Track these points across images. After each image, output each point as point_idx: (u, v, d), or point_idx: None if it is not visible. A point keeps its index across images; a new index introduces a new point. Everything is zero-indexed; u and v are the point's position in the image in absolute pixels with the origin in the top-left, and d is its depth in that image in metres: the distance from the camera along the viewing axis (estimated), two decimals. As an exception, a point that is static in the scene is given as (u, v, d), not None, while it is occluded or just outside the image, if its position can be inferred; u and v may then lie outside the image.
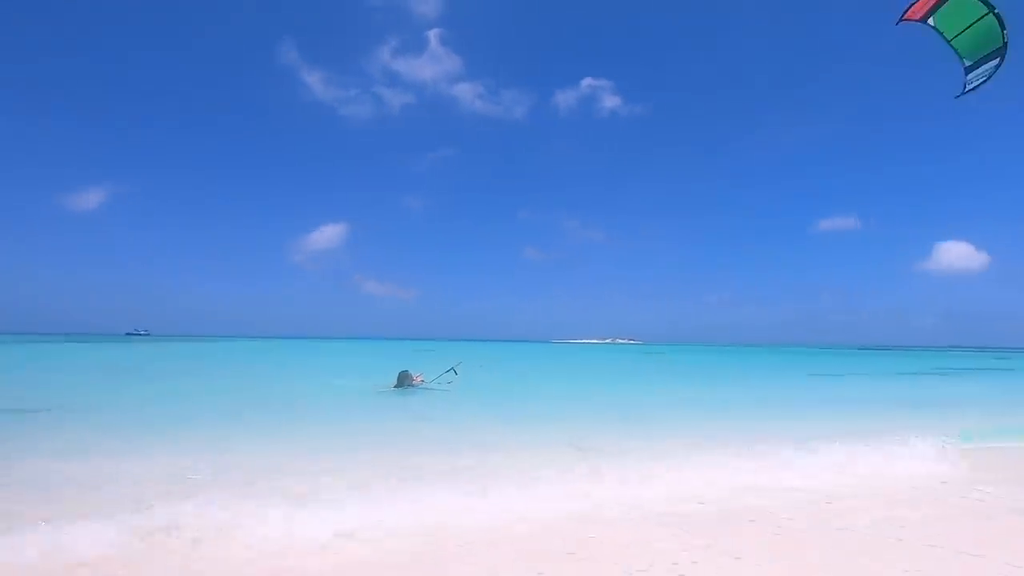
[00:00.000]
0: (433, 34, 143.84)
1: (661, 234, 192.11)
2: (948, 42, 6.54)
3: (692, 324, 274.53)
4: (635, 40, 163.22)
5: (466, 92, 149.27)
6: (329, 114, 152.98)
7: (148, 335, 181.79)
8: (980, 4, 6.10)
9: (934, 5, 6.40)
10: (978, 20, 6.17)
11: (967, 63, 6.53)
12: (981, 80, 6.52)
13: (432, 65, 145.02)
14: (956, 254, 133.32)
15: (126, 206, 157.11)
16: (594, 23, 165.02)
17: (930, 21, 6.53)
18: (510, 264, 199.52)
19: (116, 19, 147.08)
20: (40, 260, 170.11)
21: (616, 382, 30.42)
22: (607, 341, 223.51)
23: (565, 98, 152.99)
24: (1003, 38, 6.14)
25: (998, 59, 6.25)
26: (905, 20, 6.60)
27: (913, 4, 6.46)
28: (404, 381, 21.40)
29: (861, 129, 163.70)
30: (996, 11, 6.05)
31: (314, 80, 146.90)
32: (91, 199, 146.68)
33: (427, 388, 21.33)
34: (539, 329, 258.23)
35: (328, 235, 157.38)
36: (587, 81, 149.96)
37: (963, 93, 6.63)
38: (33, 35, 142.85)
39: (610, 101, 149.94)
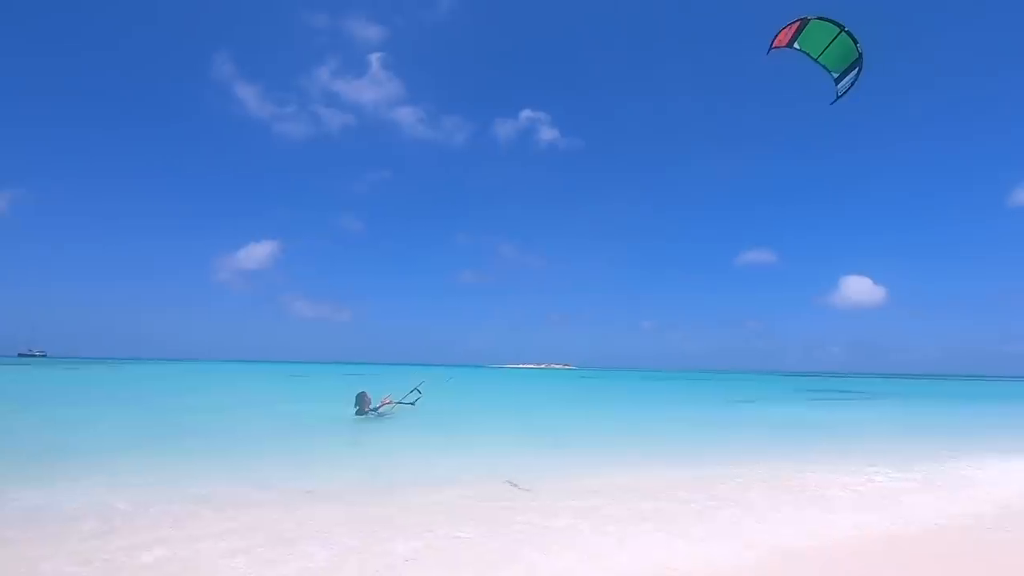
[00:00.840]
0: (375, 58, 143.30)
1: (595, 262, 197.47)
2: (815, 60, 7.66)
3: (626, 349, 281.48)
4: (572, 76, 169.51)
5: (407, 116, 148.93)
6: (263, 130, 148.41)
7: (44, 357, 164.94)
8: (833, 26, 7.23)
9: (796, 32, 7.52)
10: (835, 38, 7.30)
11: (834, 75, 7.68)
12: (848, 87, 7.64)
13: (373, 88, 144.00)
14: (858, 288, 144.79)
15: (28, 214, 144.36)
16: (534, 58, 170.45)
17: (795, 45, 7.66)
18: (447, 287, 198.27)
19: (33, 15, 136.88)
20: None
21: (549, 408, 29.69)
22: (542, 366, 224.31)
23: (504, 128, 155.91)
24: (857, 50, 7.26)
25: (857, 68, 7.40)
26: (775, 48, 7.73)
27: (777, 35, 7.60)
28: (363, 405, 18.86)
29: (776, 168, 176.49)
30: (846, 29, 7.18)
31: (248, 94, 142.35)
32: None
33: (390, 414, 19.44)
34: (475, 354, 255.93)
35: (258, 253, 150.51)
36: (526, 113, 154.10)
37: (836, 100, 7.71)
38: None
39: (547, 133, 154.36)
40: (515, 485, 8.92)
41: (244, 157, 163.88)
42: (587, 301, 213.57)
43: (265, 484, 8.83)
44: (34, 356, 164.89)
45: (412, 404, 20.48)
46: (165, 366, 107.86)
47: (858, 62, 7.35)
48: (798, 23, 7.44)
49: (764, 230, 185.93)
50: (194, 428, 16.77)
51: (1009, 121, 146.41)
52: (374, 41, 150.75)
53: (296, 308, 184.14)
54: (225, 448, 13.03)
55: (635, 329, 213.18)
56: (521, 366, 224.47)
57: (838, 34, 7.29)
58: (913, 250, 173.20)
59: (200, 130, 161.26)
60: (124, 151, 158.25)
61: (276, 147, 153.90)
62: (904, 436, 18.84)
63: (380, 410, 19.44)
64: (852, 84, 7.56)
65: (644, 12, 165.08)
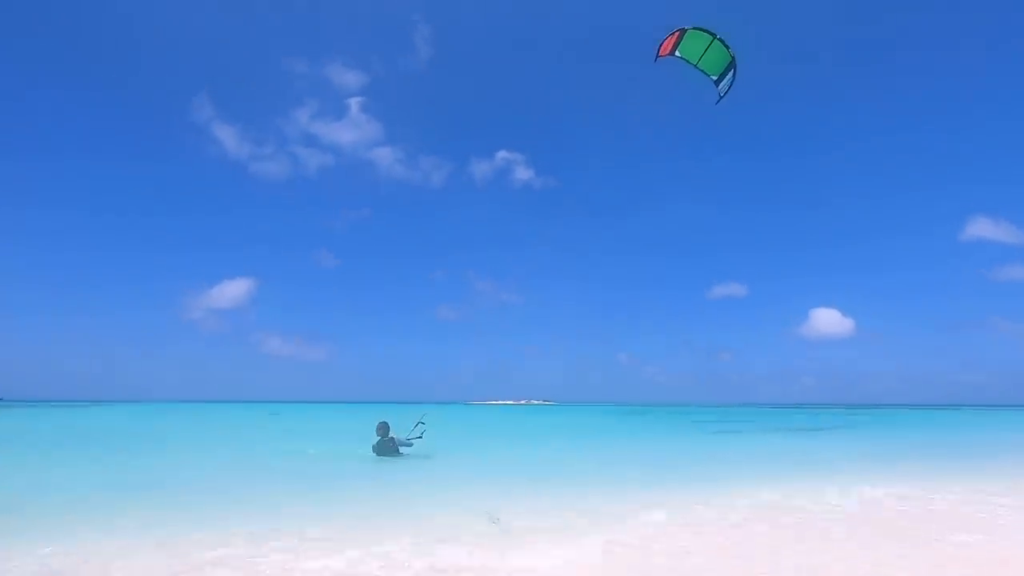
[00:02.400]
0: (354, 102, 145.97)
1: (571, 297, 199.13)
2: (695, 66, 8.46)
3: (603, 384, 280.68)
4: (546, 119, 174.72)
5: (384, 156, 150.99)
6: (240, 170, 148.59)
7: (1, 401, 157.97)
8: (707, 35, 8.03)
9: (676, 41, 8.33)
10: (710, 45, 8.12)
11: (714, 78, 8.46)
12: (727, 88, 8.48)
13: (351, 130, 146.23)
14: (827, 320, 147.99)
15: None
16: (509, 101, 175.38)
17: (677, 53, 8.42)
18: (424, 324, 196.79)
19: (15, 54, 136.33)
20: None
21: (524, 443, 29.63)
22: (522, 402, 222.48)
23: (480, 167, 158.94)
24: (729, 55, 8.08)
25: (732, 71, 8.19)
26: (660, 57, 8.55)
27: (661, 44, 8.43)
28: (386, 444, 18.00)
29: (745, 205, 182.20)
30: (719, 37, 8.03)
31: (226, 135, 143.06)
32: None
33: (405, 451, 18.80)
34: (454, 390, 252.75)
35: (232, 291, 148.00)
36: (502, 153, 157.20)
37: (719, 100, 8.54)
38: None
39: (523, 173, 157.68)
40: (496, 522, 9.03)
41: (220, 196, 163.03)
42: (564, 336, 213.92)
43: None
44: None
45: (420, 437, 20.06)
46: (133, 407, 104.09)
47: (732, 65, 8.17)
48: (677, 33, 8.28)
49: (735, 264, 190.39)
50: (192, 474, 16.39)
51: (960, 158, 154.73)
52: (353, 86, 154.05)
53: (270, 346, 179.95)
54: (249, 495, 12.80)
55: (612, 363, 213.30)
56: (501, 402, 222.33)
57: (712, 41, 8.12)
58: (877, 282, 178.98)
59: (176, 169, 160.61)
60: (97, 188, 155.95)
61: (253, 186, 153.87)
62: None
63: (402, 449, 18.57)
64: (730, 86, 8.39)
65: (614, 59, 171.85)
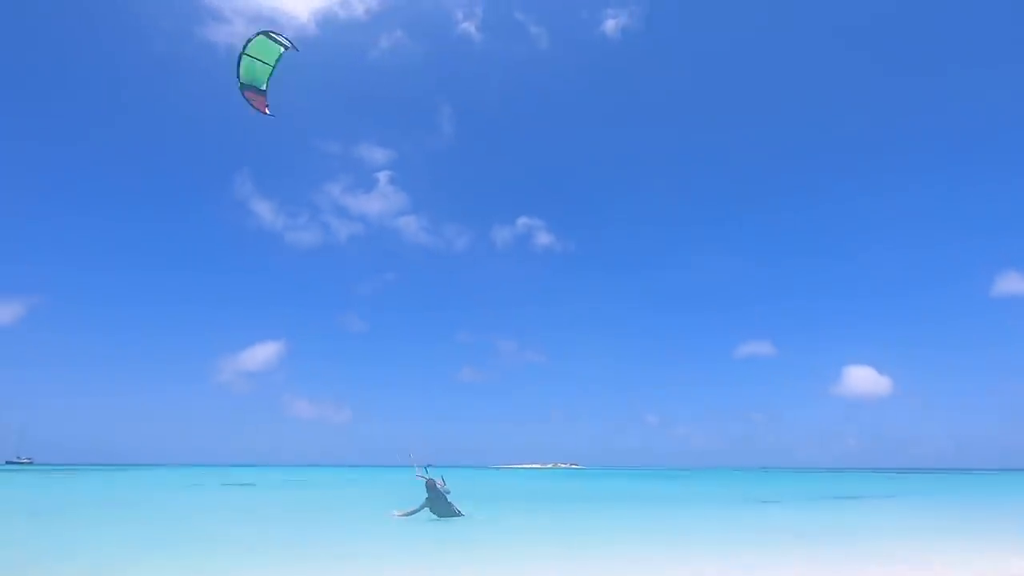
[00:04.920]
0: (382, 175, 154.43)
1: (595, 357, 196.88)
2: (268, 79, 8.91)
3: (633, 446, 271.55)
4: (565, 185, 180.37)
5: (410, 225, 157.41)
6: (275, 240, 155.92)
7: (31, 464, 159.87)
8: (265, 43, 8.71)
9: (255, 92, 9.00)
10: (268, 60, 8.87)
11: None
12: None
13: (379, 200, 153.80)
14: (862, 379, 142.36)
15: (41, 321, 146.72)
16: (528, 169, 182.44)
17: (264, 88, 9.00)
18: (448, 386, 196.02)
19: (66, 130, 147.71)
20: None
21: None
22: (548, 466, 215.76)
23: (502, 233, 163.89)
24: (281, 44, 8.91)
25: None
26: (265, 111, 8.99)
27: (259, 108, 8.91)
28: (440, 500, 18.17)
29: (768, 263, 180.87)
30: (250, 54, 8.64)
31: (264, 209, 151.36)
32: (5, 312, 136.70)
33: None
34: (479, 454, 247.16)
35: (262, 354, 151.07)
36: (522, 219, 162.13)
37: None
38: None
39: (543, 238, 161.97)
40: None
41: (254, 264, 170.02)
42: (590, 397, 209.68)
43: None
44: (21, 463, 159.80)
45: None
46: (163, 471, 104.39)
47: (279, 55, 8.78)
48: (252, 94, 8.87)
49: (761, 322, 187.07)
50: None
51: (987, 213, 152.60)
52: (381, 161, 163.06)
53: (297, 408, 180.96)
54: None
55: (641, 425, 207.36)
56: (527, 466, 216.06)
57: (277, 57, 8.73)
58: (912, 340, 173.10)
59: (214, 241, 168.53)
60: (142, 260, 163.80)
61: (286, 254, 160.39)
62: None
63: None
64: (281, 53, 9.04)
65: (627, 122, 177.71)
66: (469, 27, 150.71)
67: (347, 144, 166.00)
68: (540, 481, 75.40)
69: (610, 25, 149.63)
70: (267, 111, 8.85)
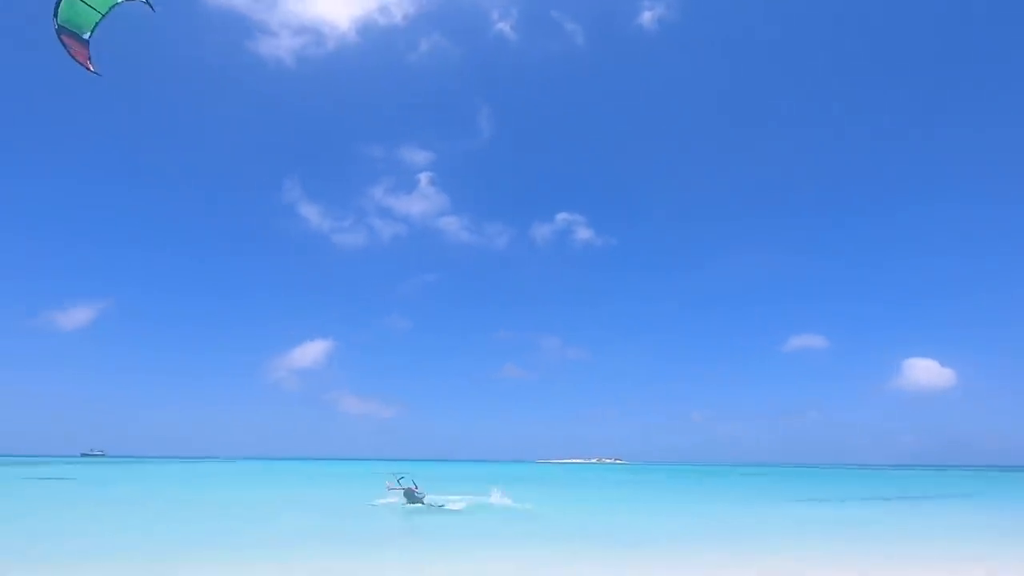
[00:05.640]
0: (424, 176, 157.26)
1: (640, 352, 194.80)
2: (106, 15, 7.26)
3: (678, 442, 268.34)
4: (604, 181, 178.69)
5: (451, 224, 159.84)
6: (322, 241, 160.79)
7: (103, 456, 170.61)
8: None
9: (77, 44, 7.32)
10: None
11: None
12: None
13: (421, 201, 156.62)
14: (923, 371, 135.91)
15: (110, 325, 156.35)
16: (567, 166, 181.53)
17: (87, 36, 7.35)
18: (490, 382, 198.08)
19: (130, 149, 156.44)
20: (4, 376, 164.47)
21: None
22: (592, 461, 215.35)
23: (541, 230, 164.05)
24: None
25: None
26: (89, 68, 7.51)
27: (81, 62, 7.40)
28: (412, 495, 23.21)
29: (817, 254, 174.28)
30: None
31: (311, 213, 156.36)
32: (79, 317, 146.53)
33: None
34: (522, 448, 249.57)
35: (311, 352, 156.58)
36: (562, 215, 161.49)
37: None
38: (45, 157, 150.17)
39: (583, 233, 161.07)
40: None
41: (302, 265, 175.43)
42: (634, 392, 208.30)
43: None
44: (95, 455, 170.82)
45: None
46: (223, 465, 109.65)
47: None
48: (71, 41, 7.36)
49: (812, 315, 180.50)
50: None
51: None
52: (423, 163, 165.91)
53: (345, 405, 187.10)
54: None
55: (686, 421, 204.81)
56: (570, 461, 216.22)
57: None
58: (978, 330, 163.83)
59: (266, 245, 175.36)
60: (201, 265, 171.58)
61: (333, 255, 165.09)
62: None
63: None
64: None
65: (668, 117, 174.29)
66: (505, 27, 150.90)
67: (389, 147, 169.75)
68: (584, 475, 75.58)
69: (647, 17, 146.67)
70: (91, 67, 7.42)
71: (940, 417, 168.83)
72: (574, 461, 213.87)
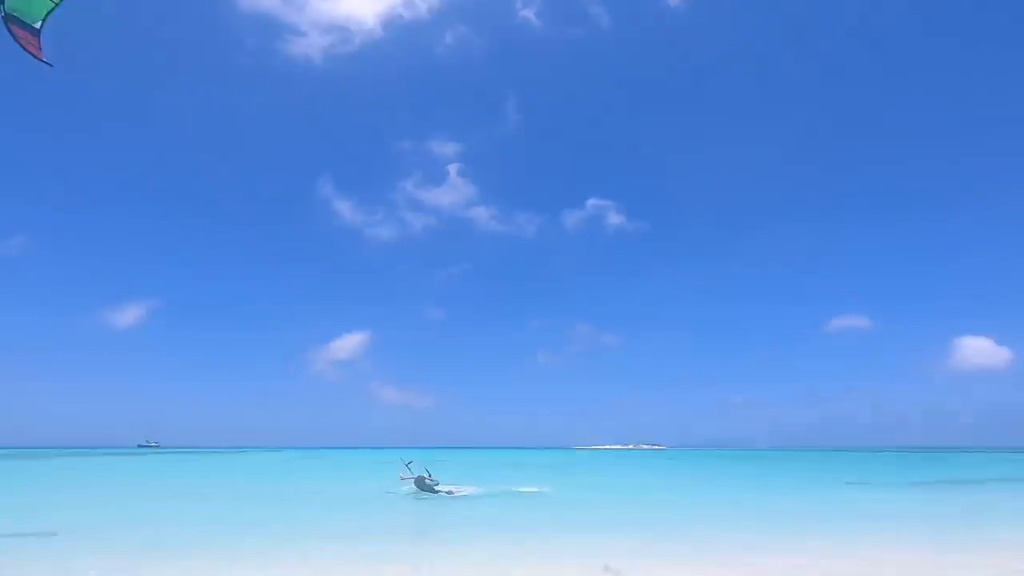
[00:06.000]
0: (452, 168, 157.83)
1: (676, 337, 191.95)
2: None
3: (717, 426, 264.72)
4: (633, 165, 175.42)
5: (481, 215, 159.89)
6: (356, 236, 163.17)
7: (158, 447, 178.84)
8: None
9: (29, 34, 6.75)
10: None
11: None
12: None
13: (451, 193, 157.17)
14: (976, 350, 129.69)
15: (159, 322, 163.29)
16: (595, 152, 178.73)
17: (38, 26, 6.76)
18: (525, 369, 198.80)
19: (170, 154, 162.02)
20: (61, 375, 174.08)
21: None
22: (629, 447, 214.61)
23: (572, 217, 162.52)
24: None
25: None
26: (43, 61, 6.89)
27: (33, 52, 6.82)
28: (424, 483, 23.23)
29: (859, 230, 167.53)
30: None
31: (344, 208, 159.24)
32: (130, 315, 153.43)
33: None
34: (558, 435, 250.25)
35: (349, 344, 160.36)
36: (592, 201, 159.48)
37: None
38: (97, 157, 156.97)
39: (614, 219, 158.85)
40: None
41: (338, 260, 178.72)
42: (671, 377, 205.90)
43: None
44: (151, 446, 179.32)
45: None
46: (274, 454, 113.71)
47: None
48: (20, 30, 6.71)
49: (855, 293, 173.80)
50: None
51: None
52: (451, 155, 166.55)
53: (383, 395, 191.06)
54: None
55: (725, 404, 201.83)
56: (607, 447, 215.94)
57: None
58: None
59: (304, 241, 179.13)
60: (243, 263, 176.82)
61: (367, 249, 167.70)
62: None
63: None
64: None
65: (699, 94, 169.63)
66: (528, 14, 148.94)
67: (418, 140, 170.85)
68: (617, 460, 75.38)
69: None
70: (42, 57, 7.05)
71: (995, 397, 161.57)
72: (612, 447, 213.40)
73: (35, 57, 6.92)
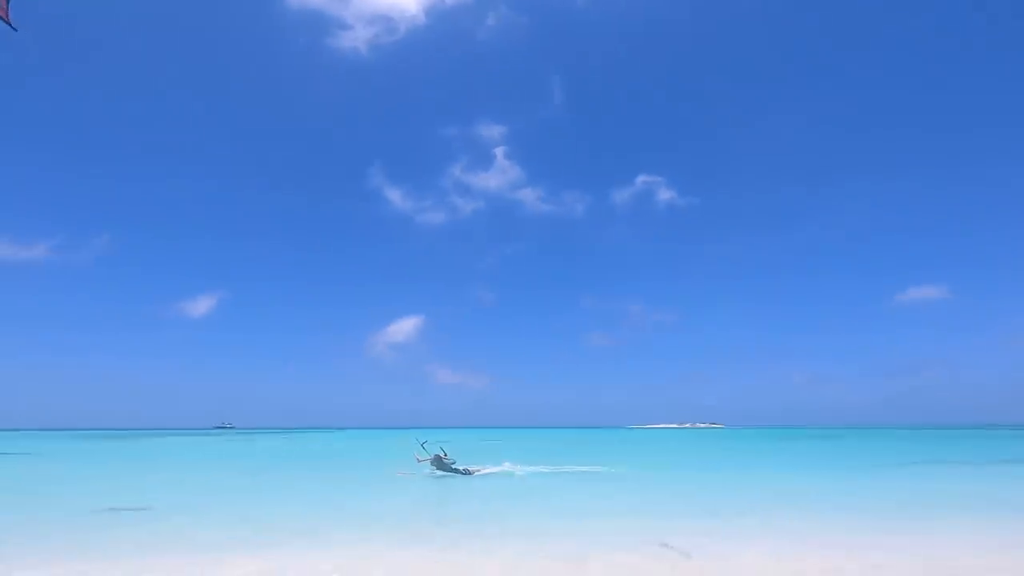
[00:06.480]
0: (499, 151, 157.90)
1: (732, 313, 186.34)
2: None
3: (779, 404, 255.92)
4: (682, 139, 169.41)
5: (529, 196, 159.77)
6: (407, 222, 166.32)
7: (233, 428, 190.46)
8: None
9: None
10: None
11: None
12: None
13: (498, 176, 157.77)
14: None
15: (229, 312, 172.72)
16: (642, 127, 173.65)
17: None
18: (577, 349, 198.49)
19: (232, 151, 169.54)
20: (145, 362, 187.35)
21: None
22: (686, 426, 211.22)
23: (621, 195, 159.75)
24: None
25: None
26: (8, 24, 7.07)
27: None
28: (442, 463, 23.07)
29: (929, 196, 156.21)
30: None
31: (395, 196, 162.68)
32: (203, 306, 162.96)
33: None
34: (612, 415, 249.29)
35: (405, 327, 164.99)
36: (641, 178, 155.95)
37: None
38: (166, 165, 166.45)
39: (664, 194, 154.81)
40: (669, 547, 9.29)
41: (392, 246, 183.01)
42: (728, 355, 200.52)
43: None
44: (227, 428, 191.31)
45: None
46: (336, 434, 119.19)
47: None
48: None
49: (930, 262, 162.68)
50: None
51: None
52: (497, 138, 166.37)
53: (438, 377, 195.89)
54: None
55: (787, 382, 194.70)
56: (663, 426, 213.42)
57: None
58: None
59: (358, 231, 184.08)
60: (299, 256, 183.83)
61: (418, 235, 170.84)
62: None
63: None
64: None
65: (752, 62, 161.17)
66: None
67: (464, 125, 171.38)
68: (678, 440, 74.39)
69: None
70: (9, 21, 7.00)
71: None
72: (668, 427, 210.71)
73: (3, 19, 7.24)
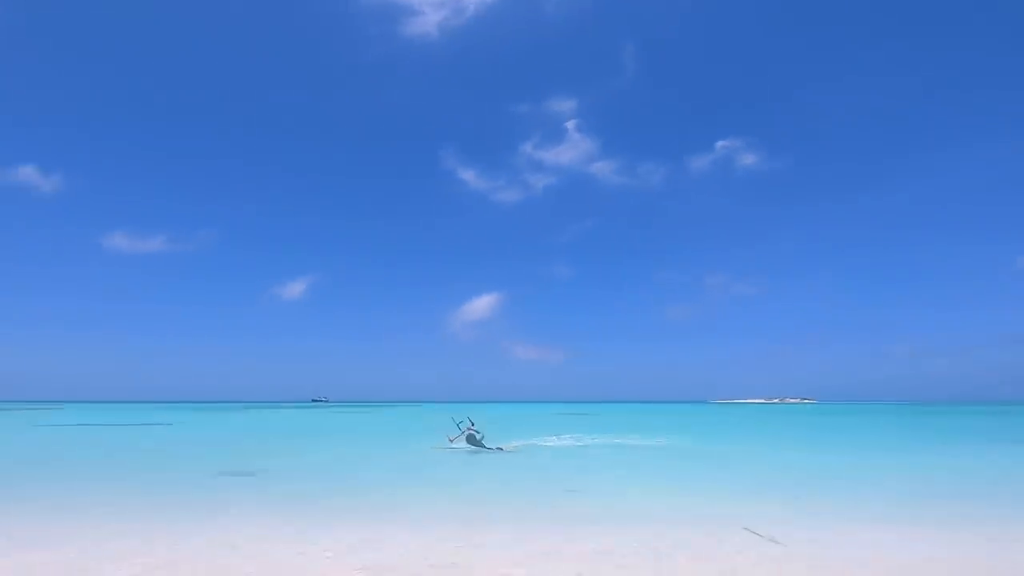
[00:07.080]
0: (571, 124, 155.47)
1: (821, 283, 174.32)
2: None
3: (877, 378, 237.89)
4: (763, 96, 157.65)
5: (602, 169, 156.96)
6: (482, 201, 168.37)
7: (327, 402, 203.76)
8: None
9: None
10: None
11: None
12: None
13: (571, 150, 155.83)
14: None
15: (319, 294, 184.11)
16: (723, 88, 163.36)
17: None
18: (657, 323, 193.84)
19: (317, 143, 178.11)
20: (250, 341, 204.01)
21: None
22: (775, 401, 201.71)
23: (699, 162, 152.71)
24: None
25: None
26: None
27: None
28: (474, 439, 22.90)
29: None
30: None
31: (469, 176, 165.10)
32: (295, 289, 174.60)
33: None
34: (695, 389, 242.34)
35: (482, 305, 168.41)
36: (720, 143, 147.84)
37: None
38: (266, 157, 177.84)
39: (746, 159, 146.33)
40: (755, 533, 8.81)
41: (468, 226, 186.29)
42: (818, 326, 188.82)
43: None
44: (321, 401, 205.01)
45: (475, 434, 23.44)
46: (416, 407, 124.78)
47: None
48: None
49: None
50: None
51: None
52: (568, 111, 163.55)
53: (516, 352, 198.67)
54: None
55: (884, 356, 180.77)
56: (750, 400, 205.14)
57: None
58: None
59: (434, 212, 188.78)
60: (383, 239, 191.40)
61: (493, 213, 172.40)
62: None
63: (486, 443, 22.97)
64: None
65: (836, 16, 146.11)
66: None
67: (535, 101, 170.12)
68: (765, 415, 71.15)
69: None
70: None
71: None
72: (755, 401, 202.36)
73: None
